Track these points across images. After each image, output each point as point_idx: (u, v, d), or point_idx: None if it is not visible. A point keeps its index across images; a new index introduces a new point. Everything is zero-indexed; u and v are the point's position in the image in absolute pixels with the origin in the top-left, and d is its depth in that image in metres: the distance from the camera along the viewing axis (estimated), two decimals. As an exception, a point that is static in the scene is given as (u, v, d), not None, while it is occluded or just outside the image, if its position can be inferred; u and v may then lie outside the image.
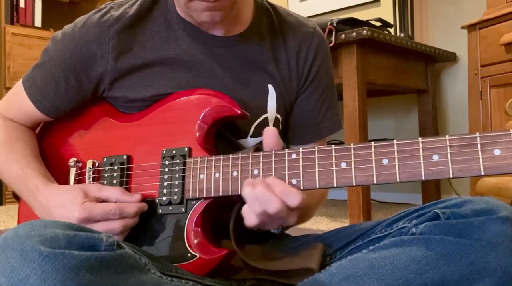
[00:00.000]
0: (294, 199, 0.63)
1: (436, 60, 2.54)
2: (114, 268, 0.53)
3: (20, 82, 0.88)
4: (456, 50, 2.55)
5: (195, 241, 0.71)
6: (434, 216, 0.64)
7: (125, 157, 0.80)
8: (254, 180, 0.66)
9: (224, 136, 0.81)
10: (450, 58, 2.53)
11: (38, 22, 3.46)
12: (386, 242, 0.66)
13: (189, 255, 0.70)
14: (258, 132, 0.84)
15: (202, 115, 0.77)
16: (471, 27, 1.96)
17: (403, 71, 2.36)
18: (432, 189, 2.53)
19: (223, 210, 0.74)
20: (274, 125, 0.86)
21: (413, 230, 0.65)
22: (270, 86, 0.85)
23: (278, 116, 0.87)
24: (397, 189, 2.85)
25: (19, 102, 0.87)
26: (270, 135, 0.69)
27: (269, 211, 0.63)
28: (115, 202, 0.74)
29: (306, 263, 0.70)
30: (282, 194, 0.63)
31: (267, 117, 0.85)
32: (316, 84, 0.90)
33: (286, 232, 0.93)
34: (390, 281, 0.61)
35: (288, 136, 0.92)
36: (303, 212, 0.81)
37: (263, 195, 0.63)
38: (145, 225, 0.75)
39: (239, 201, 0.70)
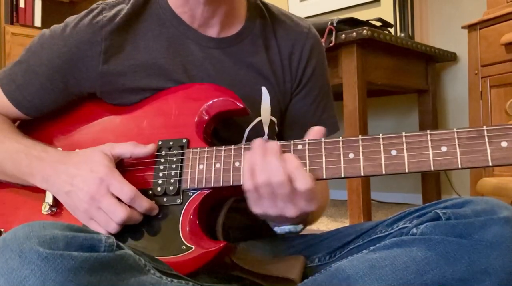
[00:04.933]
0: (304, 180, 0.61)
1: (436, 60, 2.54)
2: (114, 269, 0.53)
3: None
4: (456, 50, 2.55)
5: (191, 233, 0.68)
6: (435, 216, 0.64)
7: None
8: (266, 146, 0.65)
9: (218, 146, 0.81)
10: (450, 58, 2.53)
11: (38, 22, 3.45)
12: (386, 242, 0.66)
13: (184, 247, 0.68)
14: (252, 137, 0.83)
15: (203, 107, 0.75)
16: (471, 27, 1.96)
17: (403, 71, 2.35)
18: (432, 189, 2.53)
19: (214, 210, 0.73)
20: (269, 128, 0.85)
21: (414, 230, 0.64)
22: (263, 89, 0.84)
23: (273, 119, 0.86)
24: (398, 189, 2.85)
25: None
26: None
27: (272, 180, 0.62)
28: (130, 157, 0.73)
29: (288, 273, 0.70)
30: (291, 171, 0.62)
31: (261, 121, 0.84)
32: (310, 86, 0.89)
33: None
34: (391, 281, 0.61)
35: (284, 139, 0.91)
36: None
37: (269, 163, 0.62)
38: None
39: (234, 195, 0.68)
